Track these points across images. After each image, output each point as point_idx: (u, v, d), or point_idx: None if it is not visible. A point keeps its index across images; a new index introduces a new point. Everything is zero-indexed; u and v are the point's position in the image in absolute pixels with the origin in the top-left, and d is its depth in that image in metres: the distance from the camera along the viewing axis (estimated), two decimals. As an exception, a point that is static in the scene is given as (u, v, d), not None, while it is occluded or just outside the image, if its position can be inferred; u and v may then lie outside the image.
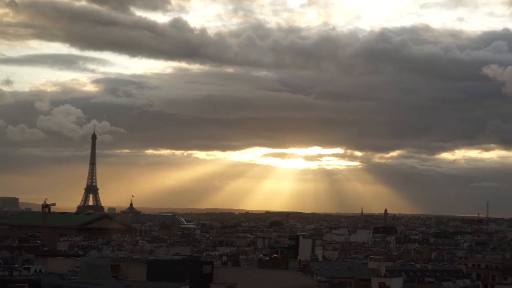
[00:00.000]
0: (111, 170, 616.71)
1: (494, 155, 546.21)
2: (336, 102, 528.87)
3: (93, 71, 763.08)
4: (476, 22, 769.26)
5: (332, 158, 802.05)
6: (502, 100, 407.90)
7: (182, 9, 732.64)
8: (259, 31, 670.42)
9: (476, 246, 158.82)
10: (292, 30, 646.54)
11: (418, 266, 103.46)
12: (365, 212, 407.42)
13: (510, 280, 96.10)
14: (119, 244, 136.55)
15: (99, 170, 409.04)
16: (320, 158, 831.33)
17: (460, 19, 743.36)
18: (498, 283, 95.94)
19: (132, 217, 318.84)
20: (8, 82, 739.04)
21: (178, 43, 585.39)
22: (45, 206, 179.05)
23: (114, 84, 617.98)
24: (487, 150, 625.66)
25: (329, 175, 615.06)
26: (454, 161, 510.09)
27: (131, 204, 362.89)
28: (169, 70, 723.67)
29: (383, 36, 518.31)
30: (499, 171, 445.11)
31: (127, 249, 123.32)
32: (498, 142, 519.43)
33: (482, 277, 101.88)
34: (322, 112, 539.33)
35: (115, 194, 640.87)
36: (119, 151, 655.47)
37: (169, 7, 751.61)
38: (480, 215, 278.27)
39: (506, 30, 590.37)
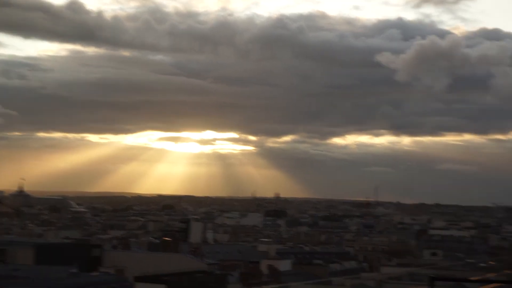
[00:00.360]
0: (2, 153, 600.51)
1: (384, 140, 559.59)
2: (232, 87, 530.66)
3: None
4: (371, 11, 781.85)
5: (226, 143, 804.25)
6: (394, 87, 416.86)
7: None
8: (156, 15, 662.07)
9: (364, 229, 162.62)
10: (190, 15, 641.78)
11: (307, 248, 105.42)
12: (257, 195, 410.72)
13: (395, 261, 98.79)
14: (7, 228, 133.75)
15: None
16: (214, 142, 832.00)
17: (356, 7, 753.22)
18: (383, 264, 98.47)
19: (22, 200, 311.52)
20: None
21: (73, 25, 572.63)
22: None
23: (6, 66, 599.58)
24: (378, 135, 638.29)
25: (223, 159, 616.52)
26: (345, 146, 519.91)
27: (20, 187, 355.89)
28: (63, 53, 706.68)
29: (281, 22, 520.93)
30: (388, 156, 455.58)
31: (15, 232, 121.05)
32: (389, 128, 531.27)
33: (368, 259, 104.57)
34: (218, 96, 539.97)
35: (5, 177, 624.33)
36: (10, 133, 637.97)
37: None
38: (369, 199, 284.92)
39: (399, 19, 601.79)
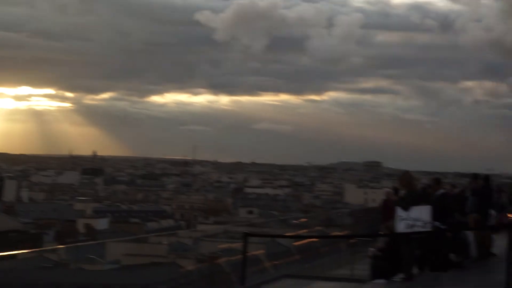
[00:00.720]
0: None
1: (203, 99, 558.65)
2: (49, 42, 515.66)
3: None
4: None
5: (42, 99, 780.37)
6: (213, 46, 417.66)
7: None
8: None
9: (182, 187, 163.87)
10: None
11: (125, 207, 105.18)
12: (74, 153, 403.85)
13: (212, 219, 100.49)
14: None
15: None
16: (30, 99, 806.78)
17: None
18: (200, 222, 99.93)
19: None
20: None
21: None
22: None
23: None
24: (196, 94, 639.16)
25: (39, 116, 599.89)
26: (164, 104, 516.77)
27: None
28: None
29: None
30: (207, 115, 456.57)
31: None
32: (207, 87, 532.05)
33: (185, 217, 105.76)
34: (34, 51, 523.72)
35: None
36: None
37: None
38: (187, 157, 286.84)
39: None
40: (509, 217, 22.24)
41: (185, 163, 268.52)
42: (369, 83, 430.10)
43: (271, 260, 27.63)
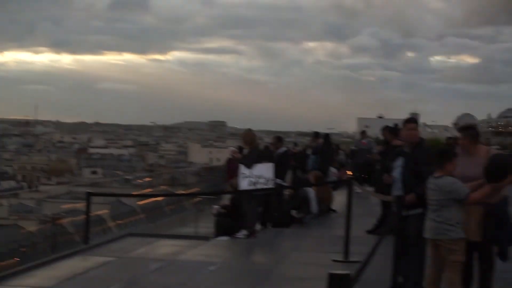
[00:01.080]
0: None
1: (44, 58, 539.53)
2: None
3: None
4: None
5: None
6: (54, 3, 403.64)
7: None
8: None
9: (23, 148, 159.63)
10: None
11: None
12: None
13: (55, 180, 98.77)
14: None
15: None
16: None
17: None
18: (43, 183, 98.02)
19: None
20: None
21: None
22: None
23: None
24: (37, 53, 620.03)
25: None
26: (3, 63, 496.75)
27: None
28: None
29: None
30: (49, 74, 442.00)
31: None
32: (49, 46, 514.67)
33: (27, 178, 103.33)
34: None
35: None
36: None
37: None
38: (28, 117, 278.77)
39: None
40: (347, 174, 23.04)
41: (26, 123, 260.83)
42: (213, 43, 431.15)
43: (115, 219, 27.54)
